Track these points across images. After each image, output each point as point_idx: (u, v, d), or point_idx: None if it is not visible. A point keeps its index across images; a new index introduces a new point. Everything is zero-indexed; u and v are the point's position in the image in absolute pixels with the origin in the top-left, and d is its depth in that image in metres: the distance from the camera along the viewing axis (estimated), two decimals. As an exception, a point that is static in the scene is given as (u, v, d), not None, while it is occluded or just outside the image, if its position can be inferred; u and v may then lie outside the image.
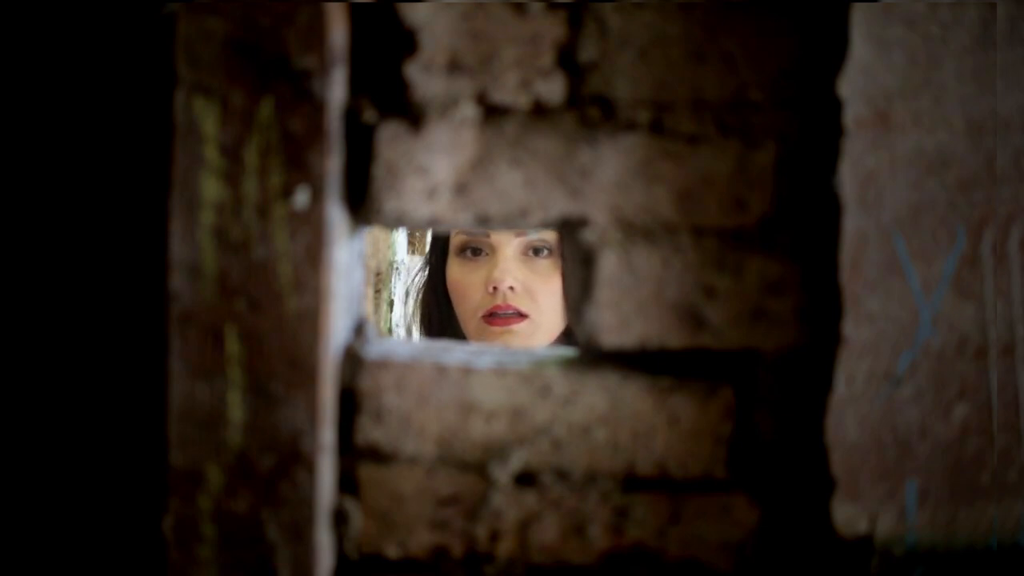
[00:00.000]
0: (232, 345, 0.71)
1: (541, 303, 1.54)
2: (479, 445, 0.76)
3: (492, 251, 1.57)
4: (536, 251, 1.56)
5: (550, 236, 1.53)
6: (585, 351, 0.77)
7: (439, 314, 1.71)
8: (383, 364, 0.76)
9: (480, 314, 1.56)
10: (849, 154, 0.72)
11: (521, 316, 1.54)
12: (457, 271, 1.60)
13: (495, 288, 1.52)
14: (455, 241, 1.62)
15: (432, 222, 0.76)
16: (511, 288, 1.52)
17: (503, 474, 0.76)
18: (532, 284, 1.54)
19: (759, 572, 0.76)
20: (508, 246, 1.55)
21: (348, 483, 0.76)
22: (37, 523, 0.81)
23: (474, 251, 1.58)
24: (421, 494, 0.76)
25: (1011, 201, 0.74)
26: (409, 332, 2.16)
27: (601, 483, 0.76)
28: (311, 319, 0.71)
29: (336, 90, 0.71)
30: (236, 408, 0.71)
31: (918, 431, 0.74)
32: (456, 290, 1.61)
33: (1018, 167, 0.74)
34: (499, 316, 1.54)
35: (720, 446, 0.75)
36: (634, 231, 0.75)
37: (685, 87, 0.74)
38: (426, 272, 1.76)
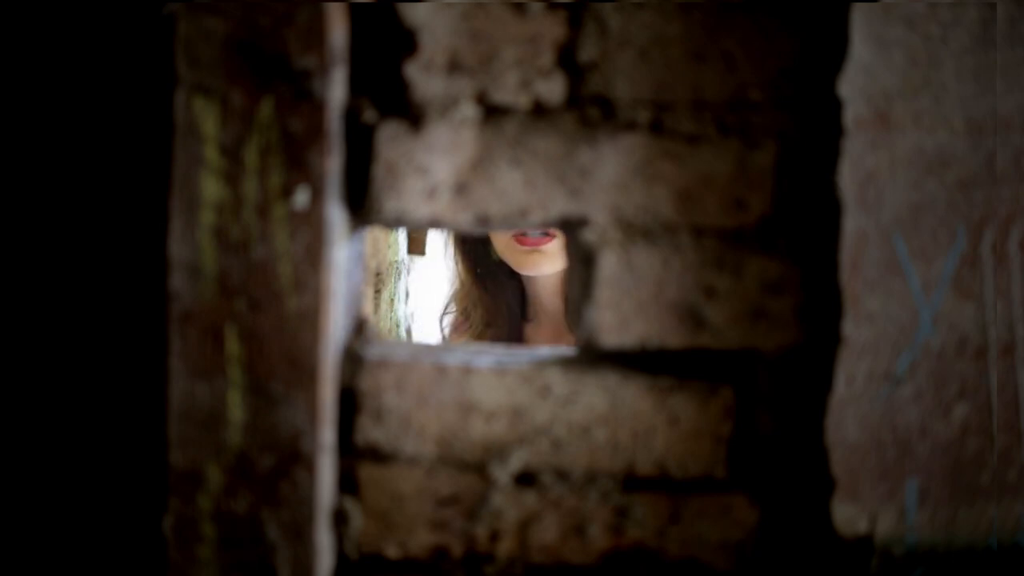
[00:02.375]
0: (232, 345, 0.70)
1: None
2: (479, 445, 0.75)
3: None
4: None
5: None
6: (585, 351, 0.76)
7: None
8: (383, 364, 0.75)
9: (511, 232, 1.59)
10: (849, 154, 0.72)
11: (549, 236, 1.59)
12: None
13: None
14: None
15: (432, 222, 0.76)
16: None
17: (503, 474, 0.75)
18: None
19: (759, 572, 0.75)
20: None
21: (348, 483, 0.75)
22: (38, 523, 0.80)
23: None
24: (421, 494, 0.75)
25: (1011, 201, 0.73)
26: (409, 332, 2.15)
27: (601, 483, 0.75)
28: (311, 319, 0.70)
29: (336, 90, 0.70)
30: (236, 408, 0.71)
31: (918, 431, 0.73)
32: None
33: (1018, 167, 0.73)
34: (528, 236, 1.59)
35: (720, 446, 0.75)
36: (634, 231, 0.74)
37: (685, 87, 0.73)
38: None
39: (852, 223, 0.72)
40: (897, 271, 0.72)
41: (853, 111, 0.71)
